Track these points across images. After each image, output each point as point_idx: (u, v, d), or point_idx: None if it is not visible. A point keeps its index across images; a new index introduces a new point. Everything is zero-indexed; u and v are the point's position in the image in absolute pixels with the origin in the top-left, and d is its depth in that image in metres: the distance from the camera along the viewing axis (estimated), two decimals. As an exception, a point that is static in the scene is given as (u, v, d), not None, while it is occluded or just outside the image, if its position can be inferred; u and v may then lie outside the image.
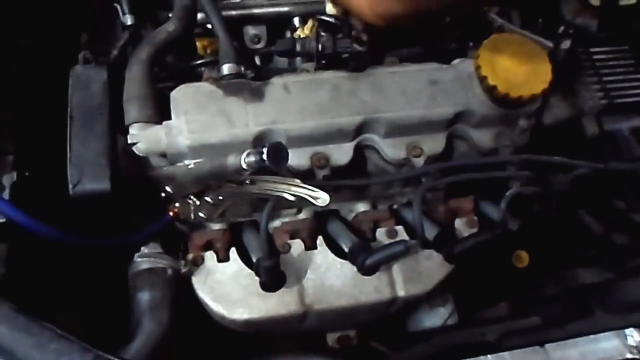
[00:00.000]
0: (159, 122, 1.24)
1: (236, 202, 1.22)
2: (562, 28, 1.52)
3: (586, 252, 1.57)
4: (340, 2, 1.36)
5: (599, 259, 1.54)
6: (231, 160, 1.05)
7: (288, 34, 1.50)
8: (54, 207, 1.16)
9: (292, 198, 1.13)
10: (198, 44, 1.45)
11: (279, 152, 1.00)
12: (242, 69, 1.27)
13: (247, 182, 1.14)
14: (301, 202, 1.18)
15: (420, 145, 1.32)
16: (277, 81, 1.30)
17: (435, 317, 1.44)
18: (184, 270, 1.24)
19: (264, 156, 0.99)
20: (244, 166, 1.02)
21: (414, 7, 1.24)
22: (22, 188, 1.18)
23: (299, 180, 1.13)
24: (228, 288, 1.23)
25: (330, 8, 1.41)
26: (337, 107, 1.28)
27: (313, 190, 1.11)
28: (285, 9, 1.47)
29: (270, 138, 1.26)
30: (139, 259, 1.25)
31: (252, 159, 1.01)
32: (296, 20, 1.48)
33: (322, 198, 1.11)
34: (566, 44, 1.49)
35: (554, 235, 1.50)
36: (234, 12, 1.45)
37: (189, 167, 1.20)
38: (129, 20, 1.40)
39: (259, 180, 1.14)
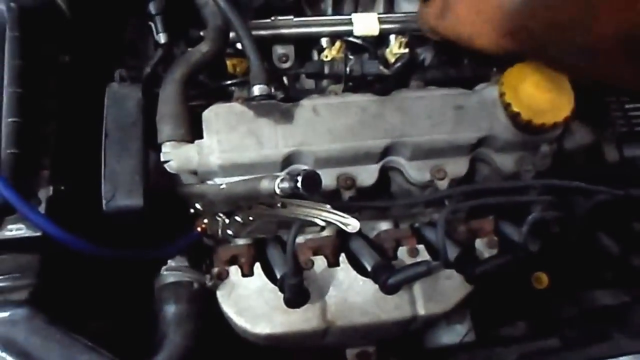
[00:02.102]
0: (191, 141, 1.26)
1: (264, 221, 1.24)
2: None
3: (605, 274, 1.58)
4: (460, 40, 1.38)
5: (618, 282, 1.54)
6: (264, 184, 1.07)
7: (315, 54, 1.53)
8: (88, 221, 1.19)
9: (322, 224, 1.15)
10: (228, 62, 1.47)
11: (312, 181, 1.01)
12: (272, 90, 1.29)
13: (279, 205, 1.16)
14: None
15: (444, 168, 1.33)
16: (306, 103, 1.31)
17: (453, 334, 1.46)
18: (209, 284, 1.26)
19: (299, 184, 1.01)
20: (277, 191, 1.04)
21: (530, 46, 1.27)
22: (57, 202, 1.19)
23: (329, 206, 1.14)
24: (252, 302, 1.26)
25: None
26: (365, 130, 1.30)
27: (343, 217, 1.13)
28: (314, 29, 1.50)
29: (299, 159, 1.28)
30: (165, 272, 1.27)
31: (285, 185, 1.03)
32: (324, 41, 1.51)
33: (352, 225, 1.13)
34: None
35: (573, 257, 1.50)
36: (263, 32, 1.49)
37: (221, 187, 1.21)
38: (162, 38, 1.42)
39: (290, 204, 1.16)
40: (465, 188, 1.34)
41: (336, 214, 1.13)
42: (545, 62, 1.31)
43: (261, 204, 1.19)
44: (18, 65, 1.21)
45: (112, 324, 1.35)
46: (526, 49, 1.28)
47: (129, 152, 1.22)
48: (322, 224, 1.16)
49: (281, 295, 1.23)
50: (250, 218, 1.21)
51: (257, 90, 1.26)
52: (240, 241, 1.32)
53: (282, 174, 1.22)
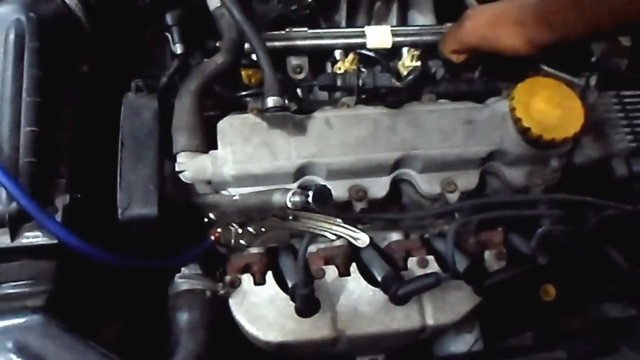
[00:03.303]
0: (206, 152, 1.28)
1: (276, 231, 1.25)
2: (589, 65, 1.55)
3: (612, 287, 1.58)
4: (485, 46, 1.41)
5: (625, 294, 1.54)
6: (277, 197, 1.08)
7: (329, 66, 1.55)
8: (103, 229, 1.20)
9: (333, 237, 1.17)
10: (243, 73, 1.49)
11: (323, 196, 1.03)
12: (286, 101, 1.30)
13: (290, 217, 1.18)
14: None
15: (455, 181, 1.33)
16: (319, 115, 1.33)
17: (461, 343, 1.46)
18: (221, 292, 1.27)
19: (310, 198, 1.02)
20: (289, 205, 1.05)
21: (564, 33, 1.30)
22: (74, 210, 1.20)
23: (340, 220, 1.16)
24: (263, 311, 1.27)
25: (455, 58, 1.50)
26: (377, 143, 1.31)
27: (354, 231, 1.14)
28: (328, 41, 1.52)
29: (311, 171, 1.30)
30: (179, 280, 1.29)
31: (297, 199, 1.05)
32: (337, 53, 1.52)
33: (362, 239, 1.14)
34: (593, 80, 1.51)
35: (581, 270, 1.50)
36: (278, 44, 1.50)
37: (234, 198, 1.23)
38: (178, 49, 1.44)
39: (302, 217, 1.17)
40: (475, 201, 1.35)
41: (347, 228, 1.15)
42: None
43: (273, 216, 1.20)
44: (36, 74, 1.22)
45: (126, 331, 1.37)
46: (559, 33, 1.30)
47: (144, 162, 1.23)
48: (333, 237, 1.17)
49: (292, 303, 1.24)
50: (263, 229, 1.23)
51: (270, 102, 1.27)
52: (253, 250, 1.33)
53: (294, 186, 1.25)
